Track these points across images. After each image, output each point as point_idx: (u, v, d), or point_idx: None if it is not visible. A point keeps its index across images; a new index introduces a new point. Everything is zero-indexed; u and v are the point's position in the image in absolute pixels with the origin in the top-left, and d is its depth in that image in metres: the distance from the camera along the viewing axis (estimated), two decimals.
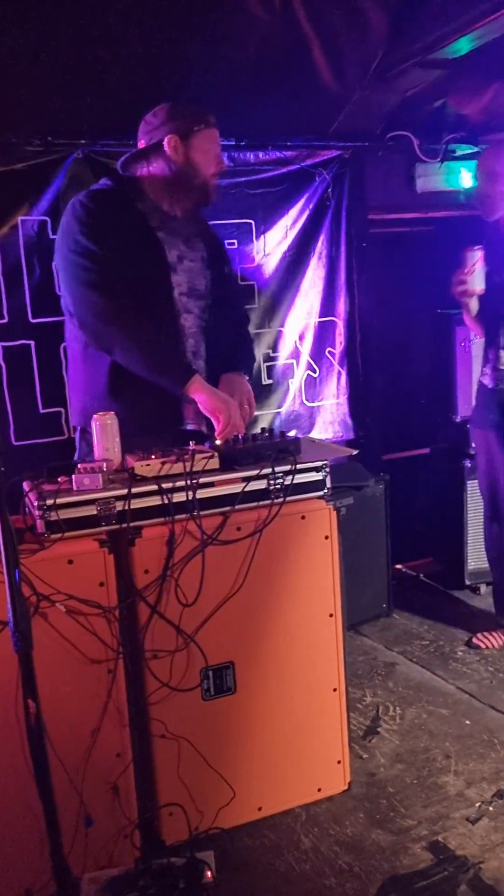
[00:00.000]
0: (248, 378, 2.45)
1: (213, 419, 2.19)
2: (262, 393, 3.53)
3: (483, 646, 3.16)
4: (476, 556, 3.64)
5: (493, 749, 2.51)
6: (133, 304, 2.20)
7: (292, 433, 3.31)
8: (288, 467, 2.09)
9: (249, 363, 2.58)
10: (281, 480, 2.09)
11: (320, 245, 3.55)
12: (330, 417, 3.69)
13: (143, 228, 2.29)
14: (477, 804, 2.26)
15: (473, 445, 3.32)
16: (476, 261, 2.85)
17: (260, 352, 3.52)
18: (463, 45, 2.88)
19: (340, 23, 2.80)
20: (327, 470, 2.16)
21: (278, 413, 3.58)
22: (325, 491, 2.17)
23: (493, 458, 3.03)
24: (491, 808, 2.23)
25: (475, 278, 2.86)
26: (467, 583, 3.68)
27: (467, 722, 2.67)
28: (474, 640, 3.20)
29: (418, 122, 3.64)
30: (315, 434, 3.65)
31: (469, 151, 3.88)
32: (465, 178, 3.88)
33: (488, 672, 3.00)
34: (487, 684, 2.91)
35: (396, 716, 2.75)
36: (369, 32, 2.87)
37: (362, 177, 3.62)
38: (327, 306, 3.58)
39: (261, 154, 3.32)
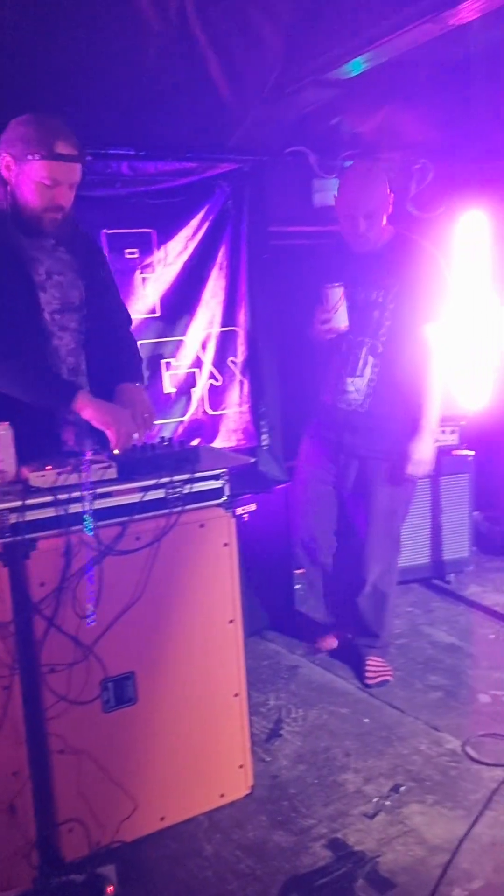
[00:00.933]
0: (140, 384, 2.38)
1: (106, 432, 2.16)
2: (165, 402, 3.53)
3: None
4: None
5: (390, 745, 2.59)
6: (1, 333, 2.10)
7: (195, 442, 3.34)
8: (186, 476, 2.11)
9: (136, 368, 2.46)
10: (179, 489, 2.10)
11: (221, 256, 3.59)
12: (233, 426, 3.73)
13: (6, 249, 2.16)
14: (375, 799, 2.33)
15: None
16: (338, 298, 2.75)
17: (162, 361, 3.53)
18: (355, 67, 2.99)
19: (236, 39, 2.86)
20: (226, 478, 2.19)
21: (181, 422, 3.60)
22: (224, 499, 2.20)
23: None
24: (388, 803, 2.31)
25: (339, 316, 2.77)
26: None
27: (366, 720, 2.76)
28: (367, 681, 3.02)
29: (316, 138, 3.75)
30: (219, 442, 3.68)
31: None
32: None
33: None
34: (386, 682, 3.00)
35: (299, 717, 2.80)
36: (265, 50, 2.95)
37: (263, 190, 3.70)
38: (229, 316, 3.62)
39: (160, 164, 3.33)
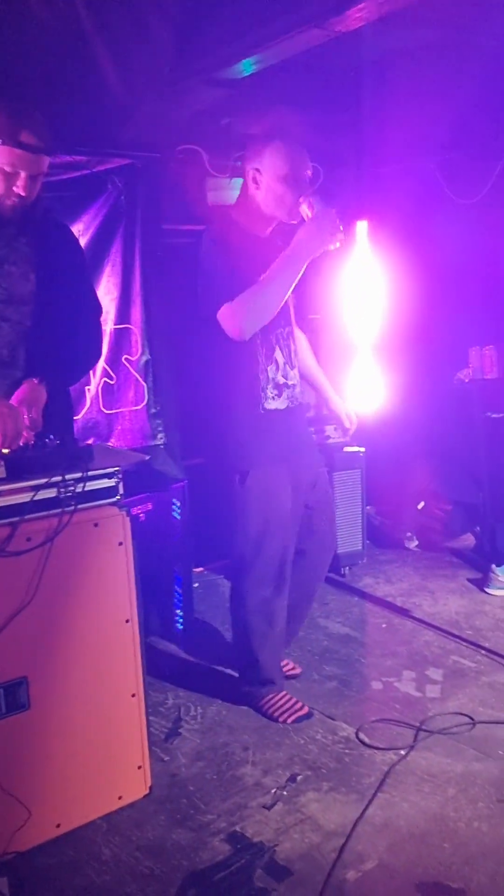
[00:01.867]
0: (40, 382, 2.30)
1: None
2: None
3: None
4: None
5: (287, 736, 2.64)
6: None
7: (90, 441, 3.28)
8: (79, 475, 2.07)
9: (63, 365, 2.40)
10: (72, 488, 2.06)
11: (114, 253, 3.54)
12: (129, 425, 3.68)
13: None
14: (273, 790, 2.37)
15: None
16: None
17: None
18: (245, 68, 3.02)
19: (126, 32, 2.83)
20: (120, 476, 2.17)
21: (75, 420, 3.52)
22: (118, 497, 2.17)
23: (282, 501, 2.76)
24: (285, 793, 2.35)
25: None
26: None
27: None
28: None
29: (208, 137, 3.76)
30: (114, 441, 3.63)
31: None
32: None
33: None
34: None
35: (198, 715, 2.81)
36: (155, 45, 2.93)
37: (156, 187, 3.66)
38: (123, 314, 3.57)
39: (50, 158, 3.24)
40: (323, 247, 2.47)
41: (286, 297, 2.56)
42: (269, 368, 2.64)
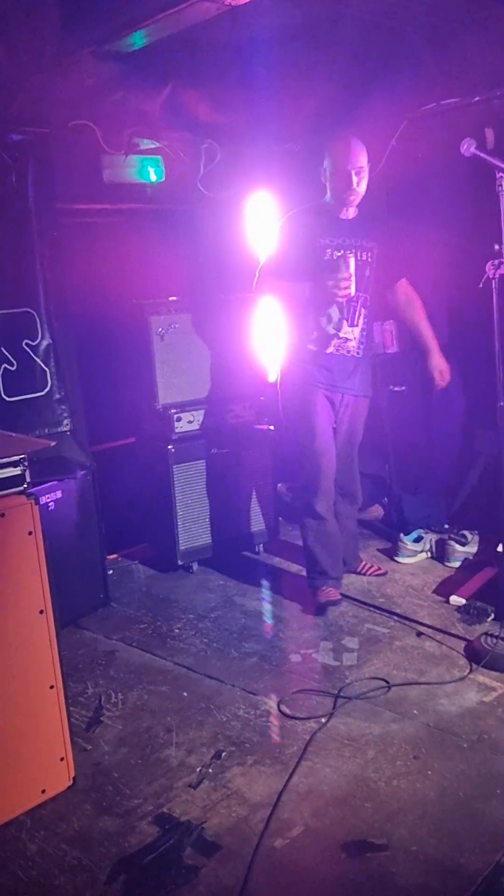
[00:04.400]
0: None
1: None
2: None
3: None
4: (187, 537, 3.80)
5: (210, 715, 2.66)
6: None
7: None
8: None
9: None
10: None
11: (9, 234, 3.39)
12: (33, 411, 3.57)
13: None
14: (198, 769, 2.38)
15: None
16: (352, 265, 3.13)
17: None
18: (136, 40, 2.96)
19: (8, 7, 2.71)
20: (25, 464, 2.10)
21: None
22: (25, 486, 2.11)
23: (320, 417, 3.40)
24: (210, 770, 2.37)
25: (353, 281, 3.14)
26: (180, 563, 3.83)
27: (185, 694, 2.80)
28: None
29: (101, 114, 3.66)
30: (20, 429, 3.51)
31: (152, 146, 3.99)
32: (151, 172, 3.99)
33: (203, 643, 3.16)
34: (203, 655, 3.06)
35: (119, 702, 2.78)
36: (40, 16, 2.82)
37: (49, 165, 3.54)
38: (18, 296, 3.44)
39: None
40: None
41: None
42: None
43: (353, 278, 3.13)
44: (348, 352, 3.30)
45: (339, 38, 3.84)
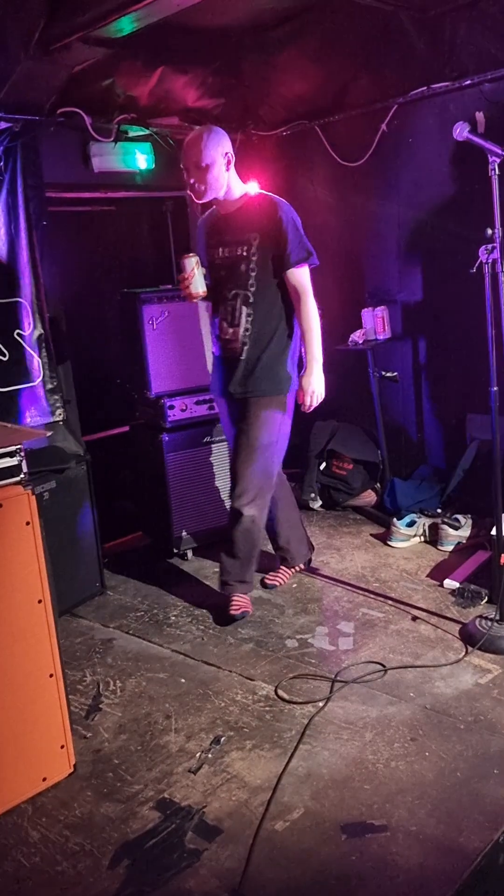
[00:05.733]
0: None
1: None
2: None
3: (277, 583, 3.52)
4: (181, 525, 3.81)
5: (208, 701, 2.67)
6: None
7: None
8: None
9: None
10: None
11: None
12: (26, 402, 3.56)
13: None
14: (198, 754, 2.40)
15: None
16: (193, 266, 3.01)
17: None
18: (125, 25, 2.92)
19: None
20: (22, 454, 2.10)
21: None
22: (22, 476, 2.11)
23: (223, 423, 3.39)
24: (210, 755, 2.39)
25: (195, 282, 3.03)
26: (175, 551, 3.84)
27: (183, 680, 2.81)
28: (266, 581, 3.53)
29: (90, 100, 3.63)
30: (12, 420, 3.50)
31: (141, 133, 3.96)
32: (140, 160, 3.96)
33: (199, 631, 3.18)
34: (199, 642, 3.08)
35: (117, 689, 2.80)
36: (27, 2, 2.78)
37: (37, 153, 3.51)
38: (9, 287, 3.43)
39: None
40: None
41: None
42: None
43: (193, 278, 3.00)
44: (232, 353, 3.12)
45: (330, 23, 3.83)
